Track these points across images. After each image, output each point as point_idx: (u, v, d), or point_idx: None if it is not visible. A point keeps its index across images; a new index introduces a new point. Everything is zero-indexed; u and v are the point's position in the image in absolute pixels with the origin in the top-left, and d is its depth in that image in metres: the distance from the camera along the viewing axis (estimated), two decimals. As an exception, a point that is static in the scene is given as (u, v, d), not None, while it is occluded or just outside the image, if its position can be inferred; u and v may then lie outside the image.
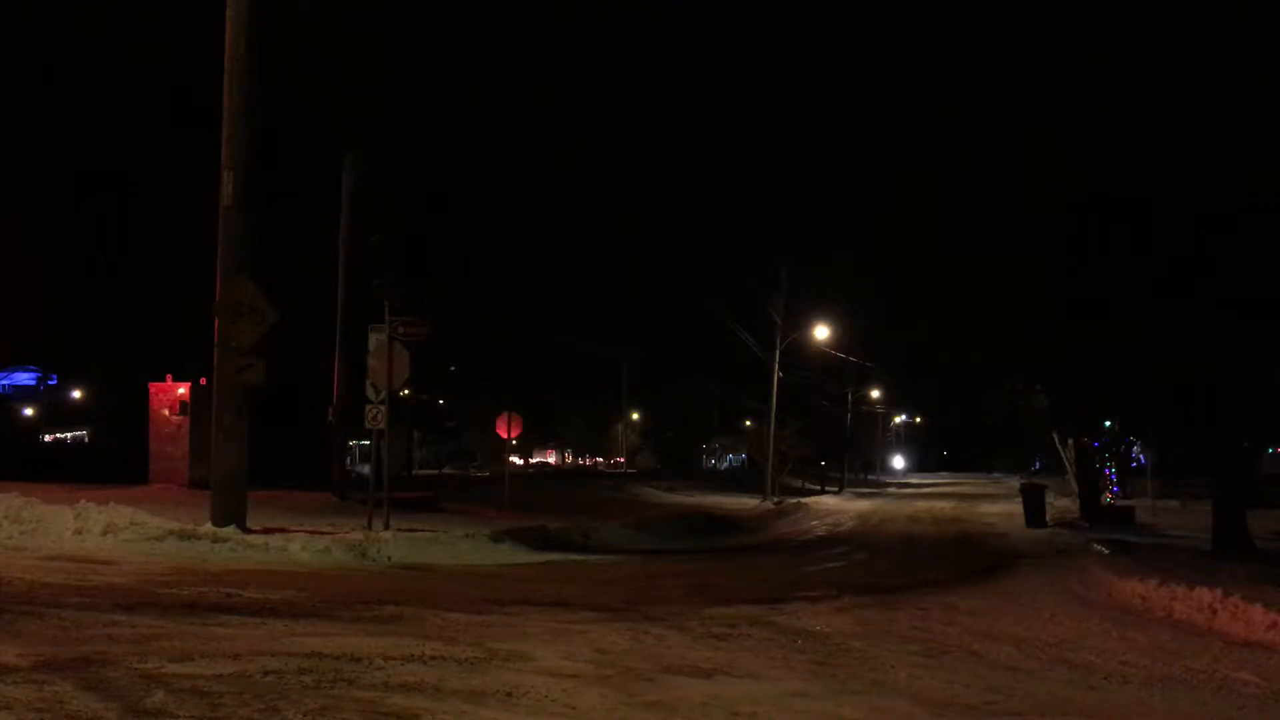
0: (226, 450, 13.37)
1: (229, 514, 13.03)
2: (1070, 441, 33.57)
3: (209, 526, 12.64)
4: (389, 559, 12.28)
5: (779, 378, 37.16)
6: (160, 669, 5.14)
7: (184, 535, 12.14)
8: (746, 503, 33.36)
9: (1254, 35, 14.69)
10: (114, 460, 24.19)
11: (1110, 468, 36.46)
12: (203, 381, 19.99)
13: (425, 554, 13.07)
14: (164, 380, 22.93)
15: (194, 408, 21.59)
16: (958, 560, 17.50)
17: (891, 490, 54.34)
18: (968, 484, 62.93)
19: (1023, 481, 33.31)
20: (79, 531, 11.95)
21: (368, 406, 15.57)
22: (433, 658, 5.90)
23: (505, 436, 24.53)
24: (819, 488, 47.03)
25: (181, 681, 4.89)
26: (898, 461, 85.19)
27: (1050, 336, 20.04)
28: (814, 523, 28.61)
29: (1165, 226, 16.32)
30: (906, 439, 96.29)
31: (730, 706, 5.22)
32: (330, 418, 22.11)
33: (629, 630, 7.50)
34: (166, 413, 22.66)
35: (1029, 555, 18.44)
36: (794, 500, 35.77)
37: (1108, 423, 33.28)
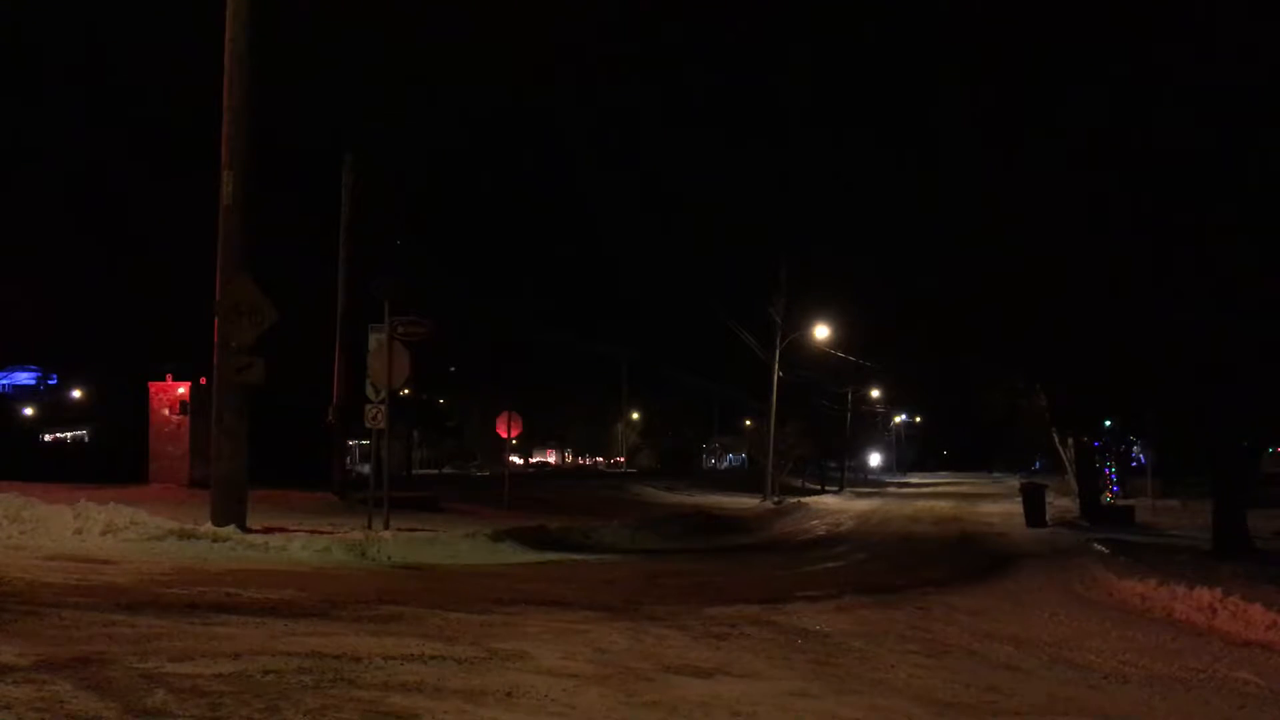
0: (226, 450, 13.37)
1: (229, 514, 13.03)
2: (1070, 441, 33.59)
3: (209, 526, 12.64)
4: (389, 559, 12.28)
5: (779, 377, 37.16)
6: (160, 668, 5.13)
7: (184, 535, 12.14)
8: (746, 502, 33.36)
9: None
10: (114, 460, 24.18)
11: (1110, 467, 36.47)
12: (203, 381, 19.99)
13: (425, 554, 13.06)
14: (164, 380, 22.94)
15: (194, 408, 21.60)
16: (958, 560, 17.50)
17: (891, 490, 54.36)
18: (967, 483, 62.97)
19: (1022, 481, 33.31)
20: (79, 531, 11.95)
21: (368, 406, 15.57)
22: (433, 657, 5.90)
23: (505, 436, 24.54)
24: (819, 487, 47.06)
25: (181, 681, 4.89)
26: (874, 459, 78.85)
27: (1050, 336, 20.04)
28: (814, 522, 28.59)
29: (1167, 226, 16.32)
30: (907, 439, 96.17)
31: (730, 706, 5.22)
32: (330, 418, 22.11)
33: (629, 630, 7.50)
34: (166, 412, 22.67)
35: (1029, 555, 18.44)
36: (794, 500, 35.76)
37: (1108, 422, 33.30)
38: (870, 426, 70.89)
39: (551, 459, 75.89)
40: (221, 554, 11.47)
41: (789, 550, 19.59)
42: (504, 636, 6.84)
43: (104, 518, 12.26)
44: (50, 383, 56.41)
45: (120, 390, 32.07)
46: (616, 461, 72.70)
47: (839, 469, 53.26)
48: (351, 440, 32.98)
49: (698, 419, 69.98)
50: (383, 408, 15.43)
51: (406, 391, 32.34)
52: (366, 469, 29.61)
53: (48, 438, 40.72)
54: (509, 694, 5.14)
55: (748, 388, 45.04)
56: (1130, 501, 32.34)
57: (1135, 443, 39.48)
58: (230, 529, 12.59)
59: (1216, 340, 16.39)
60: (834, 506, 36.77)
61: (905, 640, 7.94)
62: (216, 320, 13.43)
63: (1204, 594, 10.08)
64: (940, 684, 6.31)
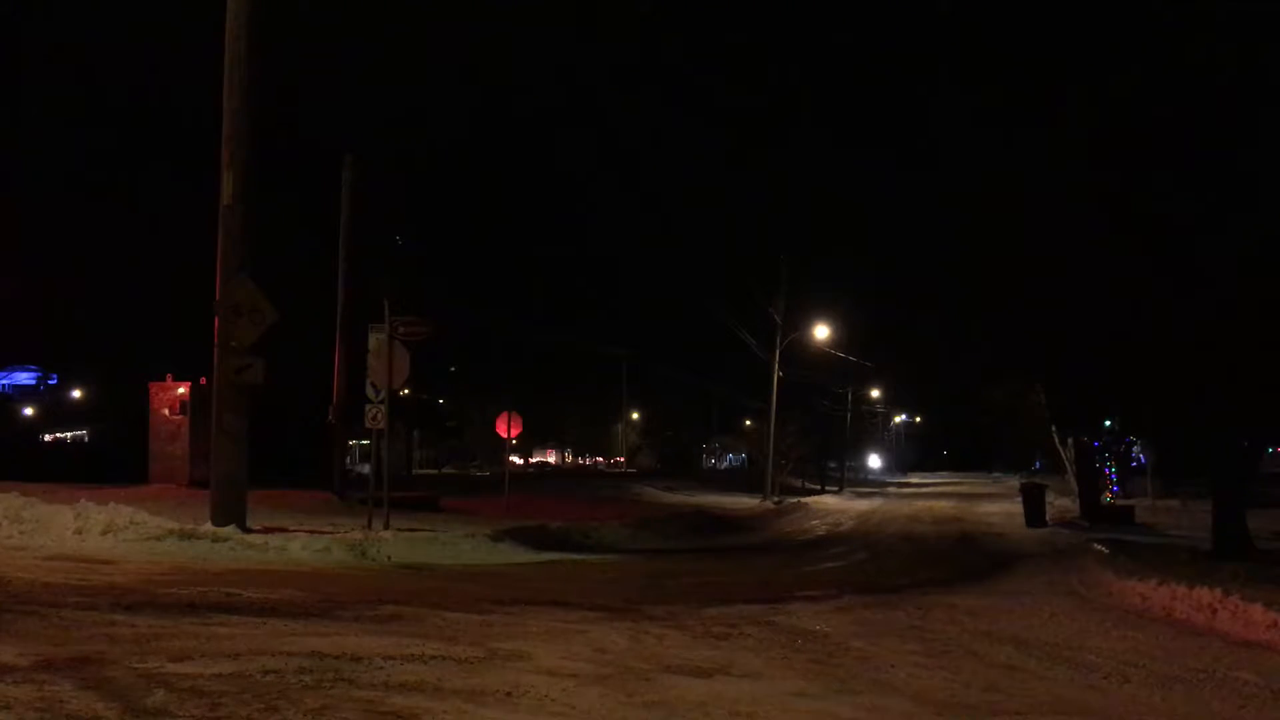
0: (226, 450, 13.37)
1: (229, 514, 13.03)
2: (1070, 441, 33.57)
3: (209, 526, 12.64)
4: (389, 559, 12.28)
5: (779, 377, 37.16)
6: (160, 668, 5.14)
7: (184, 535, 12.14)
8: (746, 502, 33.36)
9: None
10: (114, 460, 24.19)
11: (1110, 467, 36.45)
12: (203, 381, 19.98)
13: (425, 554, 13.07)
14: (164, 380, 22.92)
15: (194, 408, 21.58)
16: (958, 560, 17.51)
17: (891, 490, 54.37)
18: (967, 483, 62.96)
19: (1022, 481, 33.30)
20: (79, 531, 11.96)
21: (368, 406, 15.57)
22: (433, 657, 5.90)
23: (505, 436, 24.53)
24: (819, 487, 47.06)
25: (181, 681, 4.89)
26: (874, 459, 77.92)
27: (1050, 336, 20.03)
28: (814, 522, 28.60)
29: (1165, 227, 16.32)
30: (907, 439, 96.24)
31: (730, 706, 5.22)
32: (330, 418, 22.11)
33: (629, 630, 7.51)
34: (166, 413, 22.64)
35: (1029, 555, 18.45)
36: (794, 500, 35.77)
37: (1108, 423, 33.28)
38: (870, 426, 70.92)
39: (551, 459, 75.87)
40: (221, 554, 11.47)
41: (789, 550, 19.59)
42: (504, 636, 6.85)
43: (104, 518, 12.26)
44: (50, 383, 56.42)
45: (120, 390, 32.11)
46: (616, 461, 72.69)
47: (839, 469, 53.27)
48: (351, 440, 33.01)
49: (698, 419, 69.93)
50: (383, 408, 15.43)
51: (406, 391, 32.40)
52: (366, 469, 29.61)
53: (48, 438, 40.76)
54: (509, 694, 5.14)
55: (748, 388, 45.07)
56: (1130, 501, 32.31)
57: (1135, 443, 39.44)
58: (230, 529, 12.59)
59: (1216, 340, 16.38)
60: (834, 506, 36.77)
61: (905, 640, 7.94)
62: (216, 320, 13.43)
63: (1204, 594, 10.07)
64: (940, 684, 6.31)
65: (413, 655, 5.89)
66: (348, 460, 27.29)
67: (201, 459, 17.19)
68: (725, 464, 78.08)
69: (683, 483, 42.87)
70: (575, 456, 78.50)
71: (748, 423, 51.07)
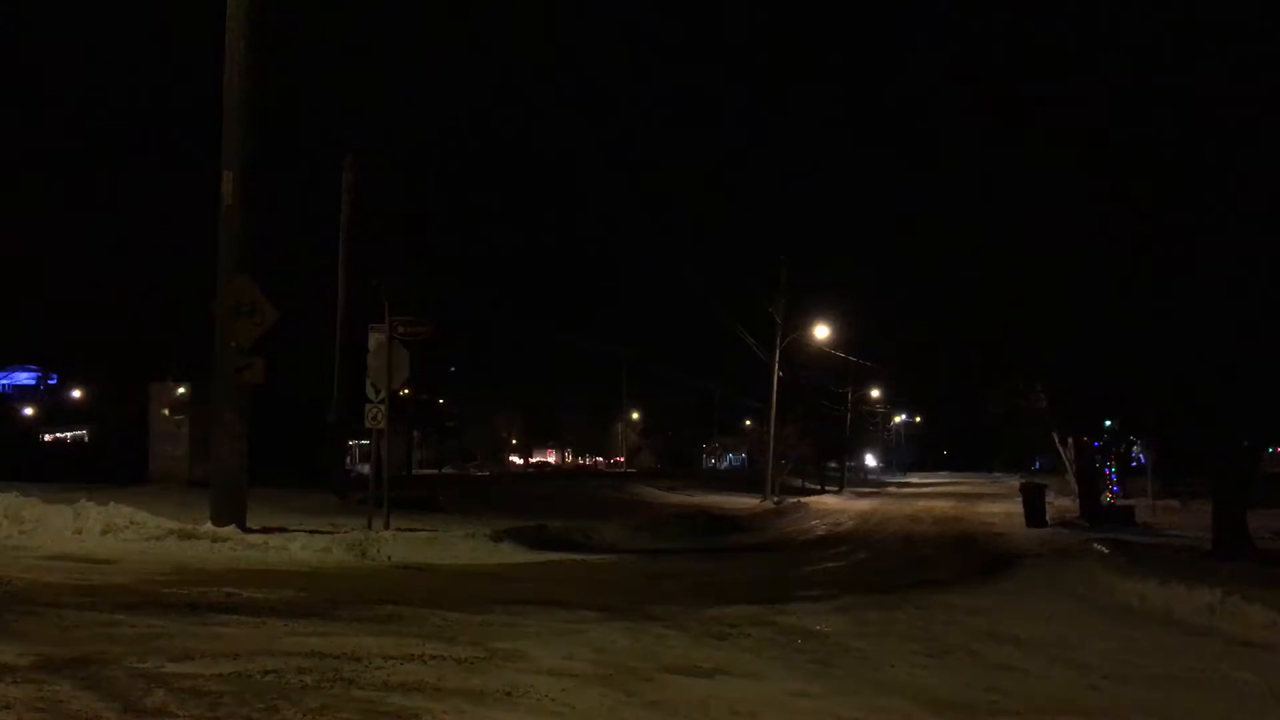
0: (226, 450, 13.37)
1: (229, 513, 13.03)
2: (1070, 441, 33.57)
3: (209, 526, 12.64)
4: (389, 558, 12.28)
5: (779, 377, 37.16)
6: (160, 668, 5.13)
7: (184, 535, 12.14)
8: (746, 502, 33.35)
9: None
10: (114, 460, 24.19)
11: (1110, 467, 36.45)
12: (203, 381, 20.01)
13: (425, 554, 13.07)
14: (164, 380, 22.95)
15: (194, 408, 21.60)
16: (958, 560, 17.51)
17: (891, 490, 54.36)
18: (967, 483, 62.97)
19: (1023, 481, 33.31)
20: (79, 531, 11.96)
21: (368, 406, 15.56)
22: (432, 657, 5.90)
23: (505, 436, 24.51)
24: (819, 487, 47.05)
25: (181, 681, 4.89)
26: (874, 459, 78.26)
27: (1050, 336, 20.03)
28: (814, 522, 28.60)
29: (1166, 224, 16.32)
30: (907, 439, 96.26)
31: (730, 706, 5.22)
32: (330, 418, 22.10)
33: (629, 630, 7.50)
34: (166, 413, 22.68)
35: (1029, 555, 18.45)
36: (794, 500, 35.75)
37: (1108, 423, 33.28)
38: (870, 427, 70.92)
39: (551, 459, 75.90)
40: (221, 554, 11.47)
41: (789, 550, 19.59)
42: (504, 636, 6.84)
43: (104, 518, 12.27)
44: (50, 383, 56.48)
45: (120, 390, 32.14)
46: (616, 461, 72.71)
47: (839, 469, 53.27)
48: (351, 440, 32.98)
49: (698, 419, 69.94)
50: (383, 408, 15.43)
51: (406, 391, 32.37)
52: (366, 469, 29.61)
53: (48, 438, 40.74)
54: (509, 694, 5.14)
55: (748, 388, 45.11)
56: (1130, 501, 32.32)
57: (1135, 443, 39.46)
58: (230, 529, 12.59)
59: (1217, 340, 16.38)
60: (834, 506, 36.77)
61: (905, 640, 7.94)
62: (216, 320, 13.43)
63: (1204, 594, 10.07)
64: (940, 684, 6.31)
65: (412, 655, 5.89)
66: (348, 460, 27.28)
67: (201, 459, 17.21)
68: (725, 464, 78.11)
69: (683, 483, 42.86)
70: (575, 456, 78.52)
71: (748, 423, 51.14)
